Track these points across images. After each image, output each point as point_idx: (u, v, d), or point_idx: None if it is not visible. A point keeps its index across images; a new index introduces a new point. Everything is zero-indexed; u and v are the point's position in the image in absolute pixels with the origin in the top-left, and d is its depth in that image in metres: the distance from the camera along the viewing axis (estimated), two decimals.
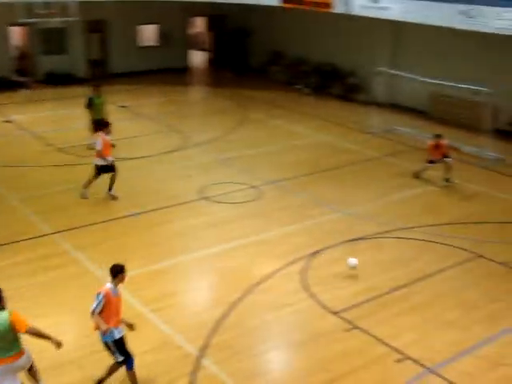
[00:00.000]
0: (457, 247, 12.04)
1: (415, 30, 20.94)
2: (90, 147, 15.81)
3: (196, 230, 12.60)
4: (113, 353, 7.79)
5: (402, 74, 19.86)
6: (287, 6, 21.90)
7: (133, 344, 8.78)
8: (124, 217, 13.05)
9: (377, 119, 19.92)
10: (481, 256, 11.72)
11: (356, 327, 9.36)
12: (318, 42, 25.83)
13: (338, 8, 20.15)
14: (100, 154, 13.53)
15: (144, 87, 25.62)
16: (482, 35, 17.49)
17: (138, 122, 20.66)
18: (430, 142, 15.29)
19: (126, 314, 9.49)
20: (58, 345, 7.22)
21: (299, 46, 26.85)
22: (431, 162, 15.27)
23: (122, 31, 27.25)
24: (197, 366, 8.41)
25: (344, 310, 9.80)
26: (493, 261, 11.55)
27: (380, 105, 20.28)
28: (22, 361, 7.14)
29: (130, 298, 9.97)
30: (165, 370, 8.35)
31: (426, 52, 21.58)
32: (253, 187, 14.79)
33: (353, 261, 10.87)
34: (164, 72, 28.02)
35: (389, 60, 22.52)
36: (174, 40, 28.75)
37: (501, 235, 12.71)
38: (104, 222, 12.79)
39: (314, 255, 11.61)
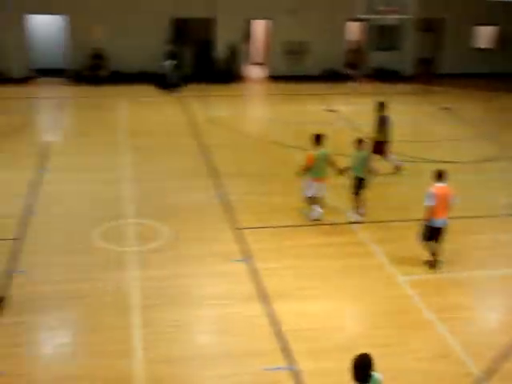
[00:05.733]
0: None
1: None
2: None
3: (503, 246, 11.78)
4: None
5: None
6: None
7: (412, 347, 8.67)
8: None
9: None
10: None
11: None
12: None
13: None
14: None
15: (472, 90, 24.67)
16: None
17: (455, 125, 20.00)
18: None
19: (411, 316, 9.43)
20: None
21: None
22: None
23: (456, 31, 26.59)
24: None
25: None
26: None
27: None
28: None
29: (417, 302, 9.82)
30: (438, 382, 8.03)
31: None
32: None
33: None
34: (498, 77, 26.58)
35: None
36: None
37: None
38: (403, 221, 12.74)
39: None
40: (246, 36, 26.36)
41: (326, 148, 12.50)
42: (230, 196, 13.65)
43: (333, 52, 26.24)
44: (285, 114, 20.46)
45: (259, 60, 29.57)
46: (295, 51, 26.32)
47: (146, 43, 24.28)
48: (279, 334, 8.85)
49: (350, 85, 25.47)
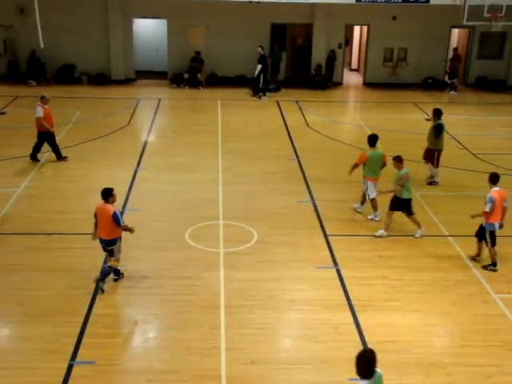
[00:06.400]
0: None
1: None
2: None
3: None
4: None
5: None
6: None
7: (507, 370, 8.30)
8: None
9: None
10: None
11: None
12: None
13: None
14: None
15: None
16: None
17: None
18: None
19: (505, 336, 9.02)
20: None
21: None
22: None
23: None
24: None
25: None
26: None
27: None
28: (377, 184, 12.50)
29: None
30: None
31: None
32: None
33: None
34: None
35: None
36: None
37: None
38: (500, 236, 12.20)
39: None
40: (344, 42, 26.16)
41: (380, 149, 12.87)
42: (319, 202, 13.59)
43: (433, 60, 25.59)
44: (380, 122, 20.11)
45: (356, 66, 29.32)
46: (393, 58, 25.89)
47: (244, 47, 24.60)
48: (364, 344, 8.71)
49: (449, 93, 24.74)
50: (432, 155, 14.66)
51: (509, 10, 20.71)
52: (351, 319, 9.34)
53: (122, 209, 12.84)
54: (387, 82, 25.87)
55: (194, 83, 24.46)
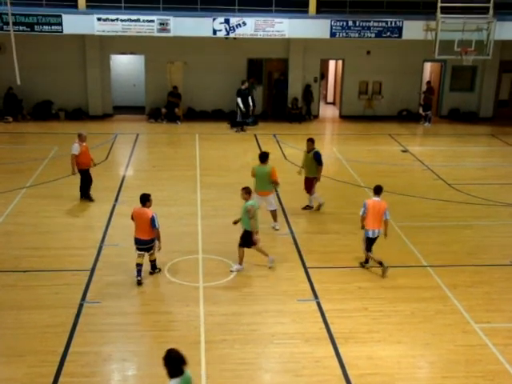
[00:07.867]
0: None
1: None
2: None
3: None
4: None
5: None
6: None
7: None
8: (504, 265, 12.35)
9: None
10: None
11: None
12: None
13: None
14: None
15: None
16: None
17: None
18: None
19: (485, 366, 9.01)
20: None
21: None
22: None
23: None
24: None
25: None
26: None
27: None
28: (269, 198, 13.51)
29: (493, 351, 9.41)
30: None
31: None
32: None
33: None
34: None
35: None
36: None
37: None
38: (477, 265, 12.32)
39: None
40: (320, 76, 26.52)
41: (269, 167, 13.56)
42: (299, 234, 13.60)
43: (407, 92, 26.04)
44: (357, 154, 20.32)
45: (332, 99, 29.69)
46: (368, 91, 26.29)
47: (221, 82, 24.80)
48: (346, 378, 8.65)
49: (424, 125, 25.12)
50: (311, 182, 14.86)
51: (478, 45, 21.25)
52: (332, 352, 9.28)
53: (100, 244, 12.74)
54: (363, 114, 26.22)
55: (171, 118, 24.54)
